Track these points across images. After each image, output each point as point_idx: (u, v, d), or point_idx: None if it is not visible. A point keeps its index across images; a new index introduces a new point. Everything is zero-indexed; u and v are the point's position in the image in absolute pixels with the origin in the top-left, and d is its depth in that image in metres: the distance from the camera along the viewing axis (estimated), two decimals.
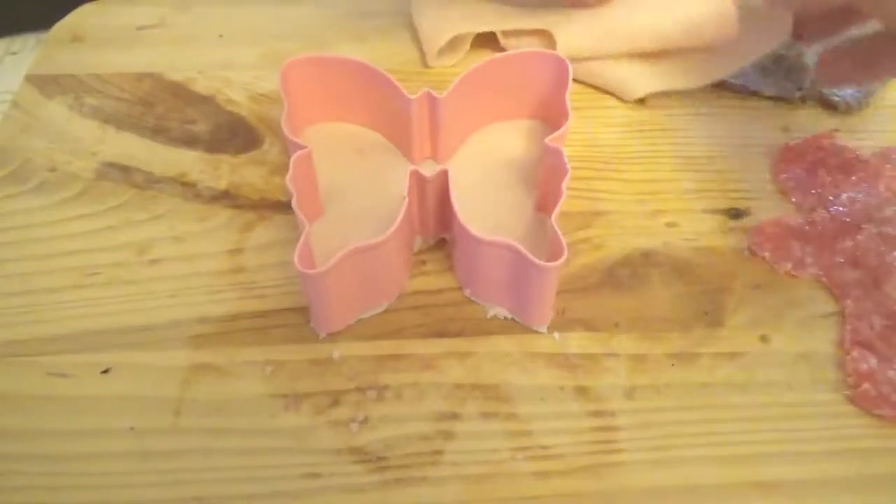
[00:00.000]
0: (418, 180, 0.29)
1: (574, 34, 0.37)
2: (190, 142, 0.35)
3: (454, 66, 0.39)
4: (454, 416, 0.27)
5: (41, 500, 0.25)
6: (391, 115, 0.32)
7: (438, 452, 0.26)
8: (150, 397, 0.27)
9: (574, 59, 0.32)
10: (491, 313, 0.30)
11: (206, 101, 0.37)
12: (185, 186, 0.34)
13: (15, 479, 0.25)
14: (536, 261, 0.26)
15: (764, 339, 0.29)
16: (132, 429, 0.26)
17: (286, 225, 0.32)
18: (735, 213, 0.33)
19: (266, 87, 0.38)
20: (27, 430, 0.26)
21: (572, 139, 0.35)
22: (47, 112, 0.36)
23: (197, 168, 0.34)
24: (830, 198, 0.33)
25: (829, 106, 0.37)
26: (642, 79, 0.37)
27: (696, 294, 0.30)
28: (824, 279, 0.31)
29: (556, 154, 0.29)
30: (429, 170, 0.29)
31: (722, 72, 0.37)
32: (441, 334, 0.29)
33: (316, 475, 0.26)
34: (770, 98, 0.38)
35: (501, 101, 0.34)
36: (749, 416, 0.27)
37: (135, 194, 0.33)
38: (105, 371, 0.28)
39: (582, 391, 0.28)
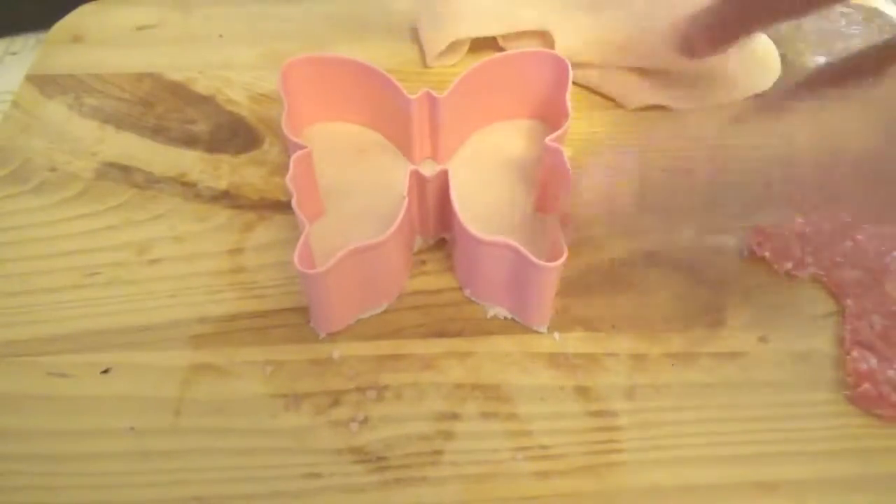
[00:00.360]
0: (418, 180, 0.29)
1: (573, 38, 0.37)
2: (190, 142, 0.35)
3: (454, 66, 0.39)
4: (454, 416, 0.27)
5: (41, 500, 0.25)
6: (391, 115, 0.32)
7: (438, 452, 0.26)
8: (150, 397, 0.27)
9: (573, 63, 0.32)
10: (491, 313, 0.30)
11: (206, 101, 0.37)
12: (185, 186, 0.34)
13: (15, 479, 0.25)
14: (536, 261, 0.26)
15: (764, 339, 0.29)
16: (132, 429, 0.26)
17: (286, 225, 0.32)
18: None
19: (266, 87, 0.38)
20: (27, 430, 0.26)
21: (572, 139, 0.35)
22: (47, 112, 0.36)
23: (197, 168, 0.34)
24: None
25: None
26: (641, 91, 0.37)
27: (696, 294, 0.30)
28: (824, 279, 0.31)
29: (556, 154, 0.29)
30: (429, 170, 0.29)
31: (720, 99, 0.37)
32: (441, 334, 0.29)
33: (316, 475, 0.26)
34: None
35: (501, 101, 0.34)
36: (749, 416, 0.27)
37: (135, 194, 0.33)
38: (105, 371, 0.28)
39: (582, 391, 0.28)
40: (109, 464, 0.26)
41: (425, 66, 0.39)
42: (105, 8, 0.42)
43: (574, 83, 0.33)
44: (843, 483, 0.26)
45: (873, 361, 0.28)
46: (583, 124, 0.36)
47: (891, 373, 0.28)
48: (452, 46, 0.38)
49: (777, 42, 0.38)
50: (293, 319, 0.29)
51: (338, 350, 0.28)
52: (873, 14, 0.41)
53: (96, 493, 0.25)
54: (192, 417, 0.27)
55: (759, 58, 0.37)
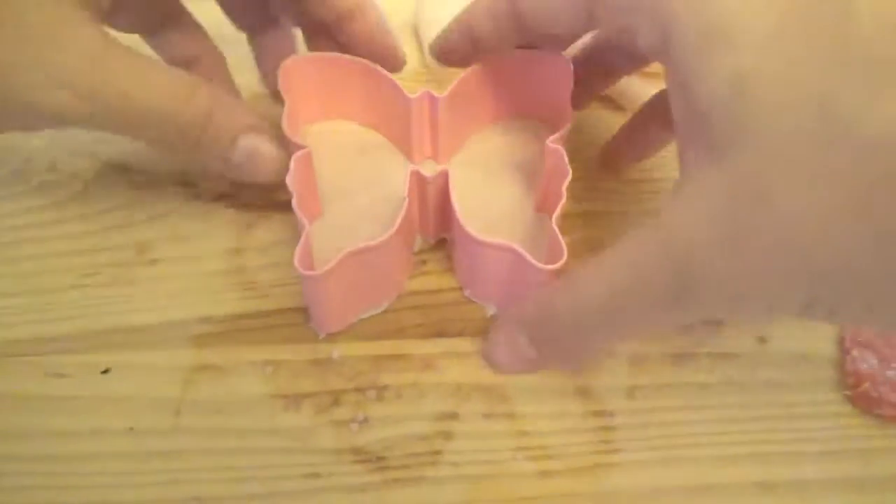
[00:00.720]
0: (418, 180, 0.29)
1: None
2: None
3: None
4: (454, 416, 0.27)
5: (41, 500, 0.25)
6: (391, 114, 0.32)
7: (438, 452, 0.26)
8: (150, 397, 0.27)
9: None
10: (491, 313, 0.30)
11: None
12: (186, 186, 0.33)
13: (15, 479, 0.25)
14: (536, 263, 0.26)
15: (763, 339, 0.29)
16: (132, 429, 0.26)
17: (286, 225, 0.32)
18: None
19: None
20: (27, 430, 0.26)
21: (573, 139, 0.35)
22: None
23: (197, 168, 0.34)
24: None
25: None
26: (641, 91, 0.37)
27: None
28: None
29: (556, 155, 0.29)
30: (429, 170, 0.29)
31: None
32: (441, 334, 0.29)
33: (316, 475, 0.26)
34: None
35: (502, 101, 0.34)
36: (749, 416, 0.27)
37: (135, 194, 0.33)
38: (105, 371, 0.28)
39: (582, 391, 0.28)
40: (109, 464, 0.26)
41: (425, 66, 0.39)
42: None
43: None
44: (843, 483, 0.26)
45: (873, 361, 0.28)
46: (583, 124, 0.36)
47: (891, 373, 0.28)
48: None
49: None
50: (293, 319, 0.29)
51: (338, 350, 0.28)
52: None
53: (96, 493, 0.25)
54: (192, 417, 0.27)
55: None
